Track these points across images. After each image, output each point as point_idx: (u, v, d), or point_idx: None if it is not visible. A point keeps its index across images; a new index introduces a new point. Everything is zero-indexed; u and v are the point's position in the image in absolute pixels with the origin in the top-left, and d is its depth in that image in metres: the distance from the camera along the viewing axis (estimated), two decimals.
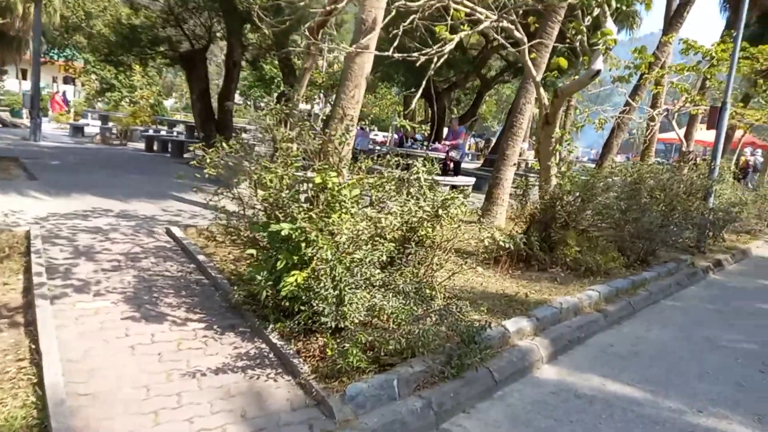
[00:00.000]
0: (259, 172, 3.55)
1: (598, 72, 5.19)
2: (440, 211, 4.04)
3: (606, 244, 6.47)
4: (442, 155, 12.02)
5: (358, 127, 17.79)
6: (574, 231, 6.24)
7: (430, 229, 4.09)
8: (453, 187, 11.67)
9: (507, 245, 4.20)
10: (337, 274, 2.92)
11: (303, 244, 3.17)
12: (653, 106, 11.55)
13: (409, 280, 3.78)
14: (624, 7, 3.82)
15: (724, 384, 3.64)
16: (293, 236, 3.17)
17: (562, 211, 6.21)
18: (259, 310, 3.51)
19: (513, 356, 3.60)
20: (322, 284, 2.94)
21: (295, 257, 3.24)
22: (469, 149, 35.00)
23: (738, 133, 14.56)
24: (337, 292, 2.94)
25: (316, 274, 2.97)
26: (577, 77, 5.94)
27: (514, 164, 8.52)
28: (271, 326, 3.32)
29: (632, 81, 10.35)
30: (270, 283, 3.24)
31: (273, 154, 4.12)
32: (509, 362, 3.52)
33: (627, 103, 10.54)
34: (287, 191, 3.55)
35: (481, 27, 4.55)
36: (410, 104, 20.08)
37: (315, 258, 3.01)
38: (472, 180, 11.91)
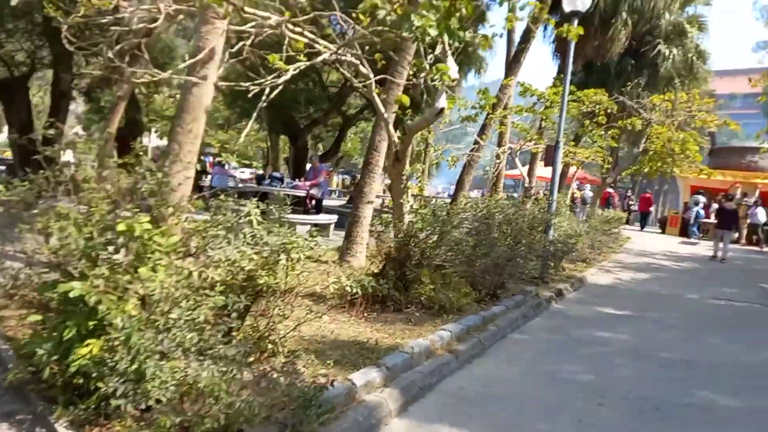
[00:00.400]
0: (45, 218, 2.92)
1: (442, 110, 5.26)
2: (280, 256, 3.68)
3: (458, 280, 6.54)
4: (303, 193, 11.72)
5: (216, 165, 16.92)
6: (429, 268, 6.23)
7: (269, 277, 3.70)
8: (314, 225, 11.38)
9: (354, 290, 3.94)
10: (134, 343, 2.41)
11: (101, 307, 2.62)
12: (499, 144, 12.39)
13: (242, 339, 3.35)
14: (458, 43, 3.82)
15: (565, 422, 3.66)
16: (86, 298, 2.60)
17: (416, 248, 6.18)
18: (45, 390, 2.83)
19: (359, 414, 3.30)
20: (117, 356, 2.41)
21: (91, 323, 2.66)
22: (336, 187, 35.18)
23: (572, 169, 16.18)
24: (136, 365, 2.42)
25: (110, 344, 2.43)
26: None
27: (371, 201, 8.47)
28: (58, 411, 2.67)
29: (479, 121, 11.00)
30: (56, 356, 2.62)
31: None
32: (354, 422, 3.21)
33: (476, 142, 11.16)
34: (87, 241, 2.96)
35: (320, 59, 4.37)
36: (273, 141, 19.62)
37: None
38: (334, 218, 11.72)
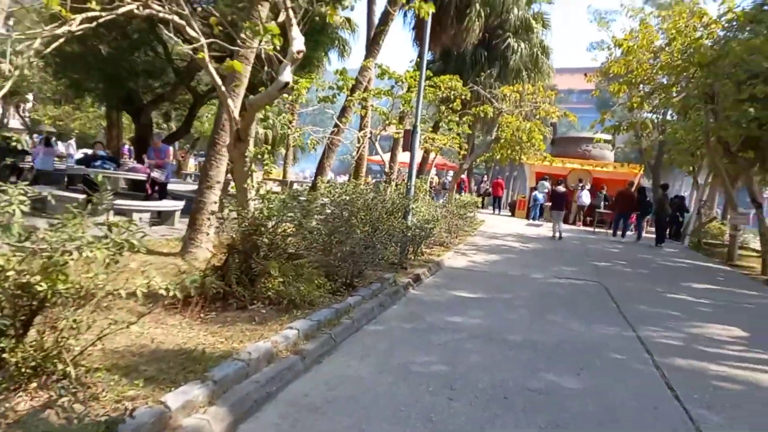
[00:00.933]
0: None
1: (286, 84, 4.72)
2: (68, 255, 2.91)
3: (312, 271, 6.10)
4: (143, 176, 10.44)
5: (41, 143, 14.56)
6: (279, 259, 5.69)
7: (55, 282, 2.92)
8: (156, 212, 10.19)
9: (172, 292, 3.29)
10: None
11: None
12: (361, 128, 12.12)
13: (18, 361, 2.57)
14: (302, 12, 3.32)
15: (416, 421, 3.40)
16: None
17: (265, 238, 5.60)
18: None
19: None
20: None
21: None
22: (192, 170, 32.82)
23: (432, 155, 16.54)
24: None
25: None
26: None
27: (219, 185, 7.67)
28: None
29: (340, 102, 10.61)
30: None
31: None
32: None
33: (336, 125, 10.76)
34: None
35: (123, 10, 3.58)
36: (114, 118, 17.56)
37: None
38: (180, 204, 10.61)
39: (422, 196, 10.77)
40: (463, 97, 11.31)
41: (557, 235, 15.60)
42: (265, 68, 6.55)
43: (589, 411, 3.73)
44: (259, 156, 5.91)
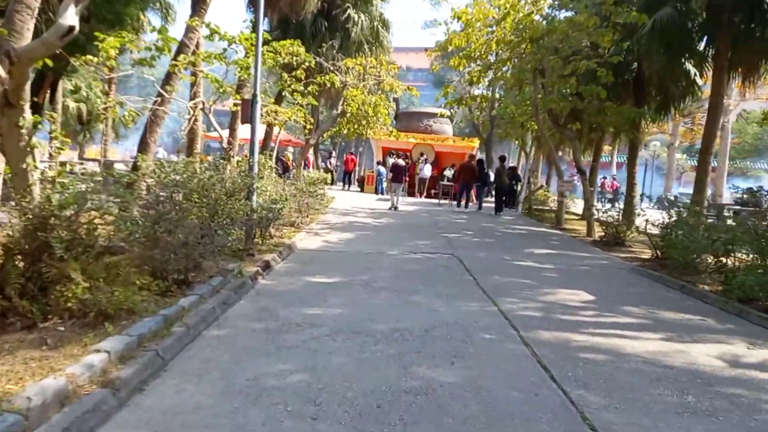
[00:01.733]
0: None
1: (70, 30, 3.49)
2: None
3: (132, 270, 4.92)
4: None
5: None
6: (85, 258, 4.43)
7: None
8: None
9: None
10: None
11: None
12: (192, 98, 10.64)
13: None
14: None
15: None
16: None
17: (61, 232, 4.29)
18: None
19: None
20: None
21: None
22: None
23: (275, 130, 15.44)
24: None
25: None
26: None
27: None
28: None
29: (164, 69, 9.11)
30: None
31: None
32: None
33: (160, 94, 9.23)
34: None
35: None
36: None
37: None
38: None
39: (268, 174, 9.79)
40: (306, 64, 10.44)
41: (395, 206, 16.33)
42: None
43: (473, 412, 3.27)
44: (50, 131, 4.51)
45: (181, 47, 9.24)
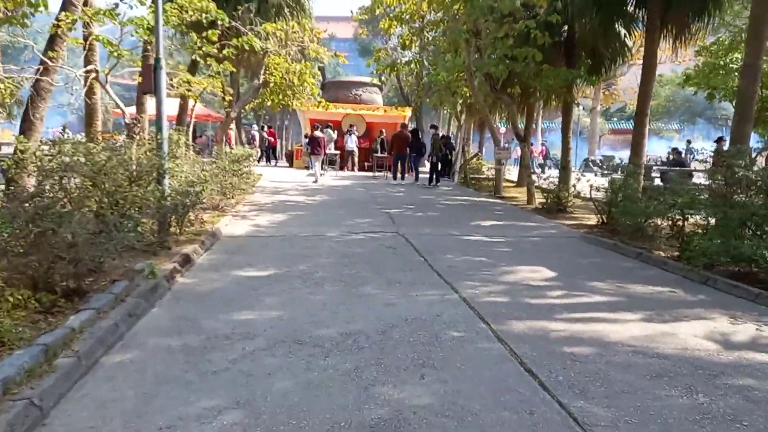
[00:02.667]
0: None
1: None
2: None
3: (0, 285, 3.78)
4: None
5: None
6: None
7: None
8: None
9: None
10: None
11: None
12: (86, 65, 9.07)
13: None
14: None
15: None
16: None
17: None
18: None
19: None
20: None
21: None
22: None
23: (191, 103, 13.92)
24: None
25: None
26: None
27: None
28: None
29: (37, 28, 7.56)
30: None
31: None
32: None
33: (42, 62, 7.70)
34: None
35: None
36: None
37: None
38: None
39: (184, 152, 8.54)
40: (220, 24, 9.10)
41: (316, 178, 16.41)
42: None
43: None
44: None
45: (66, 4, 7.72)
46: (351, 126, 22.37)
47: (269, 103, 16.30)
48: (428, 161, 19.42)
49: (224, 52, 9.82)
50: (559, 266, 6.50)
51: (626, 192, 8.72)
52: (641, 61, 11.93)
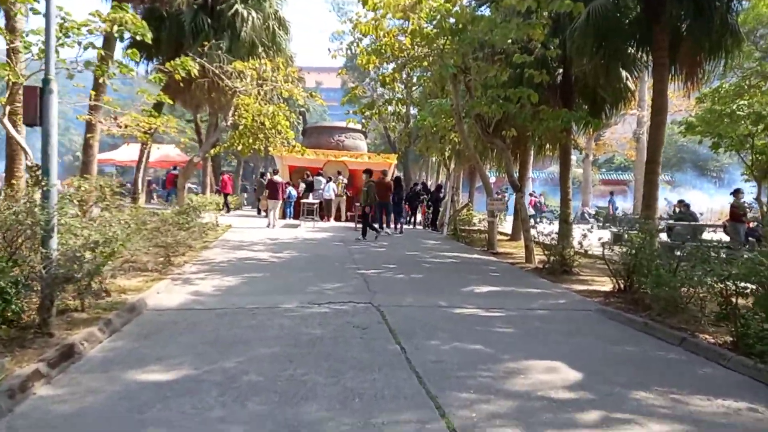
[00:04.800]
0: None
1: None
2: None
3: None
4: None
5: None
6: None
7: None
8: None
9: None
10: None
11: None
12: None
13: None
14: None
15: None
16: None
17: None
18: None
19: None
20: None
21: None
22: None
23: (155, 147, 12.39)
24: None
25: None
26: None
27: None
28: None
29: None
30: None
31: None
32: None
33: None
34: None
35: None
36: None
37: None
38: None
39: (106, 202, 6.86)
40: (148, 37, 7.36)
41: (271, 224, 16.32)
42: None
43: None
44: None
45: None
46: (339, 173, 20.85)
47: (239, 147, 14.82)
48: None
49: (151, 77, 8.34)
50: (583, 361, 4.81)
51: (647, 254, 7.17)
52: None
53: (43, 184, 4.79)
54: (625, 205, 32.42)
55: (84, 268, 5.02)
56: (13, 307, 4.60)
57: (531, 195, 31.52)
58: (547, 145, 14.96)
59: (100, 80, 8.95)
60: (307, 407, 3.57)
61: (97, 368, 4.24)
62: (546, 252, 10.23)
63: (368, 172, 14.68)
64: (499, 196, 15.63)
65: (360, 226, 16.72)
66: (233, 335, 5.22)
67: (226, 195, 22.53)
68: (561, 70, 12.81)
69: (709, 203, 29.19)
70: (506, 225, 18.11)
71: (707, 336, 5.62)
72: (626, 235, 8.29)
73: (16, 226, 4.66)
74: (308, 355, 4.67)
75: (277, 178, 17.63)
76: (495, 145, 11.99)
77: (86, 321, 5.19)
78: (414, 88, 14.91)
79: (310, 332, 5.41)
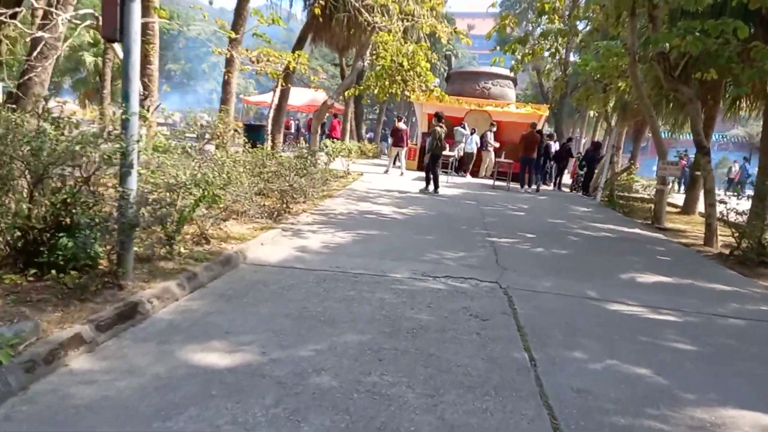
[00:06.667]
0: None
1: None
2: None
3: None
4: None
5: None
6: None
7: None
8: None
9: None
10: None
11: None
12: None
13: None
14: None
15: None
16: None
17: None
18: None
19: None
20: None
21: None
22: None
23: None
24: None
25: None
26: None
27: None
28: None
29: None
30: None
31: None
32: None
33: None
34: None
35: None
36: None
37: None
38: None
39: (170, 144, 6.21)
40: None
41: (389, 169, 16.71)
42: None
43: None
44: None
45: None
46: (492, 124, 19.04)
47: (376, 91, 13.87)
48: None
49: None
50: None
51: None
52: None
53: (123, 111, 4.13)
54: None
55: (162, 213, 4.37)
56: (89, 250, 4.10)
57: (681, 157, 26.70)
58: (743, 99, 11.88)
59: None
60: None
61: (155, 336, 3.55)
62: (735, 233, 7.93)
63: (438, 116, 12.83)
64: (678, 158, 12.91)
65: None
66: (322, 310, 4.28)
67: (335, 140, 22.06)
68: None
69: None
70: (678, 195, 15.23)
71: None
72: None
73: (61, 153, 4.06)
74: (404, 354, 3.55)
75: (401, 125, 17.23)
76: (680, 94, 9.49)
77: (169, 273, 4.60)
78: (579, 22, 12.57)
79: (415, 317, 4.28)
